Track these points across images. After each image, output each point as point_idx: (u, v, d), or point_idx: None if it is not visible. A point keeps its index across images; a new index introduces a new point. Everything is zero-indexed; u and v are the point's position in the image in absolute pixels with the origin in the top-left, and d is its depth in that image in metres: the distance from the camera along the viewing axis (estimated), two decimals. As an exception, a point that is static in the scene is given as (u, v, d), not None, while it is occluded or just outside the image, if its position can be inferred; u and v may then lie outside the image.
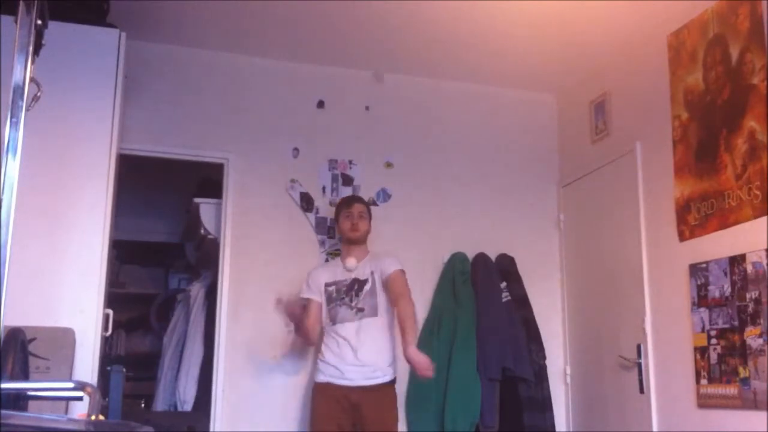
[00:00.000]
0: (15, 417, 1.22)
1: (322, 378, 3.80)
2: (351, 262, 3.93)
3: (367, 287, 3.86)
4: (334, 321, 3.83)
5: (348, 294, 3.85)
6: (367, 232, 4.02)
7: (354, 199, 4.16)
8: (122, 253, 5.39)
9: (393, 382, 3.84)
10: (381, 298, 3.84)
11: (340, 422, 3.70)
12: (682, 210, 3.77)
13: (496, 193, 4.78)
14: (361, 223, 3.97)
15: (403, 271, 3.87)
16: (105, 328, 3.21)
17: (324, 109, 4.60)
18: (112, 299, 3.42)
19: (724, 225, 3.48)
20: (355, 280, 3.88)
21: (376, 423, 3.71)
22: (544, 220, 4.84)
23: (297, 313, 3.81)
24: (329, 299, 3.88)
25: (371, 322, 3.80)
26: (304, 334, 3.90)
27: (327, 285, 3.90)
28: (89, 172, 3.26)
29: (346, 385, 3.73)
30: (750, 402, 3.26)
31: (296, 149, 4.49)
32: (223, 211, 4.32)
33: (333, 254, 4.33)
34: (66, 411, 2.75)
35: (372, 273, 3.88)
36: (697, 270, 3.62)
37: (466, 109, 4.85)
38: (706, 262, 3.56)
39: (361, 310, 3.82)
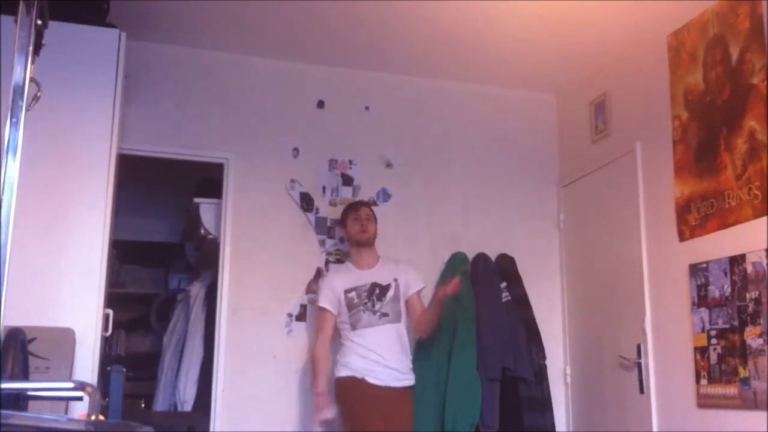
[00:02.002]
0: (15, 417, 1.22)
1: (347, 372, 3.79)
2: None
3: (391, 293, 3.91)
4: (355, 327, 3.83)
5: (369, 298, 3.87)
6: (375, 235, 4.05)
7: (360, 203, 4.22)
8: (122, 253, 5.38)
9: (413, 387, 3.89)
10: (403, 305, 3.93)
11: (381, 415, 3.69)
12: (682, 210, 3.77)
13: (496, 193, 4.78)
14: (370, 225, 4.03)
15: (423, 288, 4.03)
16: (105, 328, 3.21)
17: (324, 109, 4.60)
18: (112, 299, 3.42)
19: (724, 225, 3.48)
20: (375, 285, 3.90)
21: (398, 422, 3.74)
22: (544, 220, 4.84)
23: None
24: (350, 305, 3.87)
25: (395, 327, 3.86)
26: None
27: (347, 291, 3.90)
28: (89, 172, 3.26)
29: (376, 384, 3.76)
30: (750, 402, 3.26)
31: (296, 149, 4.49)
32: (223, 211, 4.32)
33: (335, 254, 4.34)
34: (66, 411, 2.75)
35: (396, 280, 3.93)
36: (697, 270, 3.62)
37: (466, 109, 4.85)
38: (706, 262, 3.56)
39: (385, 315, 3.85)
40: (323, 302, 3.93)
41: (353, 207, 4.13)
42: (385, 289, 3.90)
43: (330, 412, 3.75)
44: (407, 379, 3.86)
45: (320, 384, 3.79)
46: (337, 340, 3.97)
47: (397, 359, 3.81)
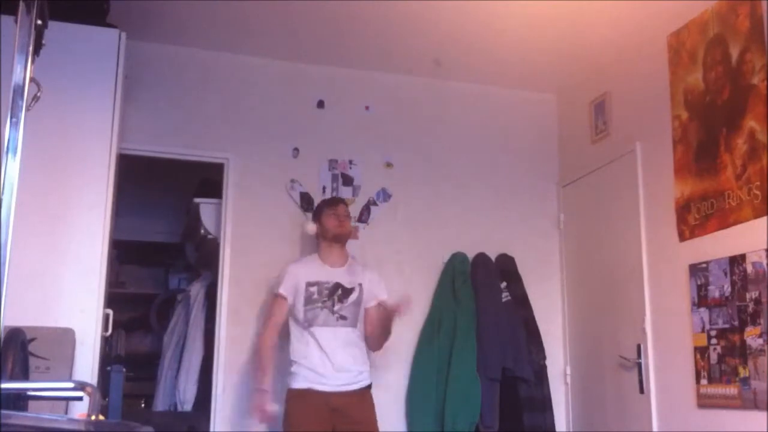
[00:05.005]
0: (15, 417, 1.22)
1: (302, 384, 3.67)
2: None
3: (353, 297, 3.78)
4: (311, 323, 3.71)
5: (330, 298, 3.75)
6: (350, 233, 4.00)
7: (338, 199, 4.12)
8: (122, 253, 5.39)
9: (370, 386, 3.78)
10: (362, 312, 3.81)
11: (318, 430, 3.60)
12: (682, 210, 3.77)
13: (496, 193, 4.77)
14: (347, 222, 3.95)
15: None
16: (105, 328, 3.21)
17: (324, 109, 4.60)
18: (112, 299, 3.42)
19: (724, 225, 3.48)
20: (339, 285, 3.78)
21: (358, 424, 3.65)
22: (544, 220, 4.84)
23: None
24: (308, 300, 3.74)
25: (352, 332, 3.74)
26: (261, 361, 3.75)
27: (309, 285, 3.77)
28: (89, 172, 3.26)
29: (327, 391, 3.63)
30: (750, 402, 3.26)
31: (296, 149, 4.49)
32: (223, 211, 4.32)
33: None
34: (66, 411, 2.75)
35: (360, 285, 3.82)
36: (697, 270, 3.62)
37: (466, 109, 4.85)
38: (706, 262, 3.56)
39: (343, 318, 3.73)
40: (281, 288, 3.78)
41: (330, 203, 4.02)
42: (348, 291, 3.78)
43: (271, 407, 3.57)
44: (359, 381, 3.72)
45: (266, 380, 3.63)
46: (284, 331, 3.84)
47: (351, 362, 3.69)
